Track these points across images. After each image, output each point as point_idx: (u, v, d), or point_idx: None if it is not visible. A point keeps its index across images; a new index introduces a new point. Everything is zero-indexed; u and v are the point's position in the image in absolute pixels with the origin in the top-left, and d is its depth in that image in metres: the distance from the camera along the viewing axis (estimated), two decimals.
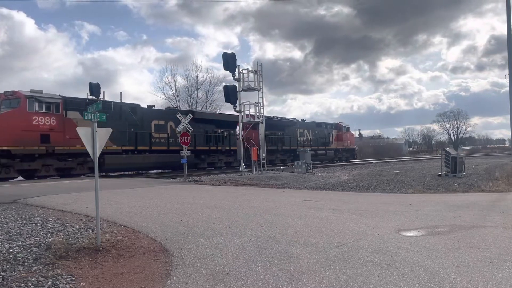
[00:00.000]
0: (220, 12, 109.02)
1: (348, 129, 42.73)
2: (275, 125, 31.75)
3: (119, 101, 22.87)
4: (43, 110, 17.97)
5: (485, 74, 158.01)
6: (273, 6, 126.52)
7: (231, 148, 27.61)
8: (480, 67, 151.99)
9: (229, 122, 27.91)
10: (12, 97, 17.76)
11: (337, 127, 41.00)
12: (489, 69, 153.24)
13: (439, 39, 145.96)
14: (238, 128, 27.36)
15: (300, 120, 37.26)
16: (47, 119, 18.04)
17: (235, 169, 22.68)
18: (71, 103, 19.24)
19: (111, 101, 21.47)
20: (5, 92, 18.34)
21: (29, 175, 18.18)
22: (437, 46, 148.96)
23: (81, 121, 17.77)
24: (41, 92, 18.45)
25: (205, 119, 26.72)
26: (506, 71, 27.70)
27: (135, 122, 21.74)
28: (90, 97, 21.99)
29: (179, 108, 33.00)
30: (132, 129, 21.55)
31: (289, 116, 38.92)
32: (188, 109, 30.61)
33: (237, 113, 23.05)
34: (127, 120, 21.40)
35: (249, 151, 26.25)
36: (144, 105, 24.09)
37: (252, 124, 25.77)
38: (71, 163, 19.29)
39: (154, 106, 25.06)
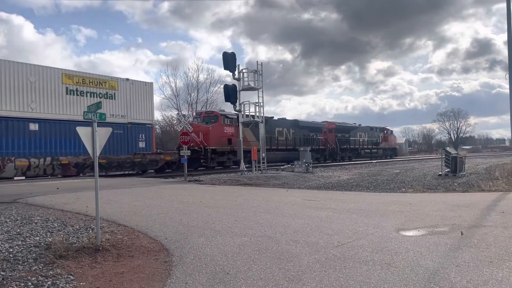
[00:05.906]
0: (210, 17, 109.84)
1: (392, 132, 51.46)
2: (344, 129, 40.49)
3: None
4: (228, 123, 27.12)
5: (473, 76, 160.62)
6: (260, 11, 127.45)
7: (319, 147, 36.24)
8: (466, 70, 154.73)
9: (316, 128, 36.84)
10: (212, 115, 27.54)
11: (384, 130, 49.21)
12: (475, 71, 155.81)
13: (425, 42, 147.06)
14: (321, 133, 37.25)
15: (358, 125, 44.19)
16: (230, 129, 27.01)
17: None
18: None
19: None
20: (206, 111, 29.59)
21: (220, 164, 26.82)
22: (424, 49, 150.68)
23: (245, 130, 26.06)
24: (224, 111, 28.22)
25: (303, 126, 34.94)
26: (494, 73, 28.45)
27: (269, 129, 29.46)
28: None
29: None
30: (267, 134, 28.84)
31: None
32: (282, 117, 37.31)
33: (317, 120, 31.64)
34: (264, 128, 28.81)
35: (330, 150, 37.72)
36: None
37: (330, 128, 38.21)
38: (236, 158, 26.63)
39: (273, 117, 32.21)
